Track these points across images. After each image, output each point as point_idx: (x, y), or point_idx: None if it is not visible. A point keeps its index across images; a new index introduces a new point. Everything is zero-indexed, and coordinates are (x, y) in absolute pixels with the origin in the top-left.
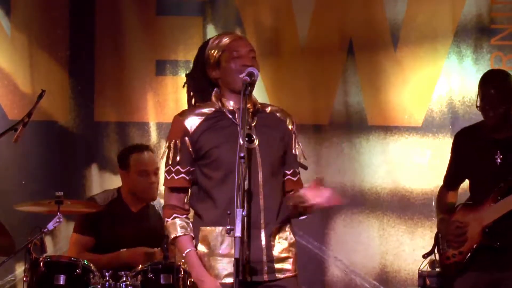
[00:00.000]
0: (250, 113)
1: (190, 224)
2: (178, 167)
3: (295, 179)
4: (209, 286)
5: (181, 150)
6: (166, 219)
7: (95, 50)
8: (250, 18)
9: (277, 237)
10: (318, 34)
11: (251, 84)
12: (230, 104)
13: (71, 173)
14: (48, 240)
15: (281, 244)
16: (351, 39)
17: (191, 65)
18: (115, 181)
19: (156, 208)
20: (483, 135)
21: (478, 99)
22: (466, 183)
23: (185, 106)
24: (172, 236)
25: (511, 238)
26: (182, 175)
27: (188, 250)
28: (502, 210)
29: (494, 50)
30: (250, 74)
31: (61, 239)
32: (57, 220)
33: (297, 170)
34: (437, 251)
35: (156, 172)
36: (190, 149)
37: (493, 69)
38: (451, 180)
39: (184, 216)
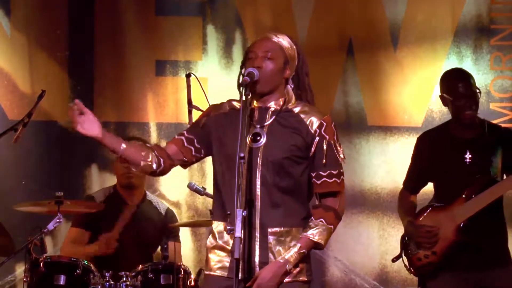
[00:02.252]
0: (270, 112)
1: (151, 153)
2: (184, 131)
3: (318, 182)
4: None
5: (195, 125)
6: None
7: (95, 50)
8: (250, 18)
9: (279, 240)
10: (317, 34)
11: (251, 84)
12: (254, 103)
13: (71, 173)
14: (48, 240)
15: (284, 248)
16: (351, 39)
17: (191, 65)
18: (114, 181)
19: (153, 203)
20: (450, 136)
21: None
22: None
23: (185, 107)
24: None
25: (487, 236)
26: (179, 137)
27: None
28: (476, 208)
29: (493, 51)
30: (250, 75)
31: (61, 239)
32: (57, 220)
33: (322, 173)
34: (405, 254)
35: None
36: (202, 130)
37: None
38: (414, 184)
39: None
